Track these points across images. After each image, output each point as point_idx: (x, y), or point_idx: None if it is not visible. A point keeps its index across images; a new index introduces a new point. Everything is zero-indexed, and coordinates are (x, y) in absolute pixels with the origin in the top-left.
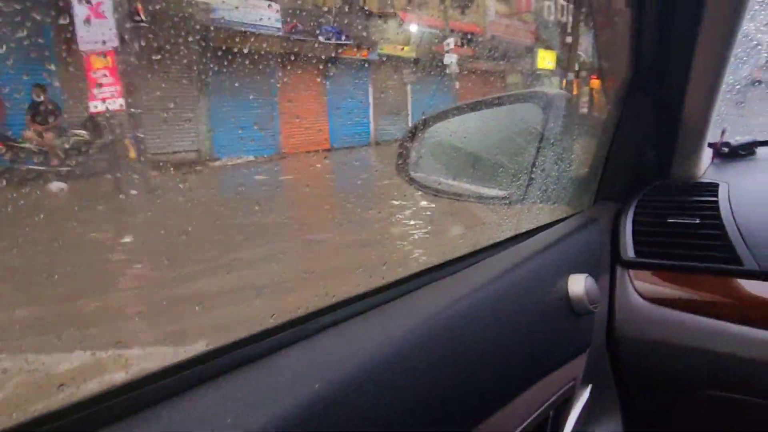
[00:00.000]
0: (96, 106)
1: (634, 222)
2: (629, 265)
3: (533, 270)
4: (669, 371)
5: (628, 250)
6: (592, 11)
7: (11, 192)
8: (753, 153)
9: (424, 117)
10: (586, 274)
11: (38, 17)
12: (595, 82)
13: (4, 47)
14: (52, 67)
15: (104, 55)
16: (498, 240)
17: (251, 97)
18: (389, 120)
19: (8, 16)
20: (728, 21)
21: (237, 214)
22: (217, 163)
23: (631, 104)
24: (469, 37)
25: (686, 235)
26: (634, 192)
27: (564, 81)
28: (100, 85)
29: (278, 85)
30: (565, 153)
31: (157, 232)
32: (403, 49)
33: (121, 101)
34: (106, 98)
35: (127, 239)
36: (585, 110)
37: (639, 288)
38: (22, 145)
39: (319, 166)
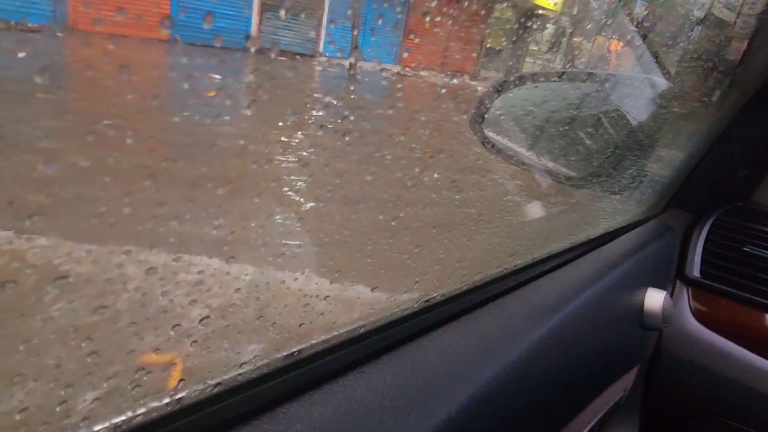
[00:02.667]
0: None
1: (706, 240)
2: (692, 283)
3: (613, 280)
4: (700, 395)
5: (695, 269)
6: None
7: None
8: None
9: (518, 75)
10: (665, 292)
11: None
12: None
13: None
14: None
15: None
16: (577, 242)
17: None
18: (284, 20)
19: None
20: None
21: None
22: None
23: (743, 118)
24: None
25: (759, 268)
26: (709, 206)
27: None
28: None
29: None
30: (650, 149)
31: None
32: None
33: None
34: None
35: None
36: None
37: (695, 308)
38: None
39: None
